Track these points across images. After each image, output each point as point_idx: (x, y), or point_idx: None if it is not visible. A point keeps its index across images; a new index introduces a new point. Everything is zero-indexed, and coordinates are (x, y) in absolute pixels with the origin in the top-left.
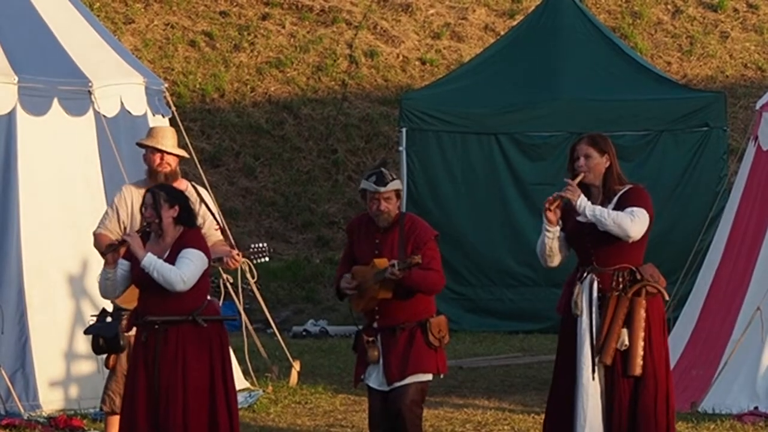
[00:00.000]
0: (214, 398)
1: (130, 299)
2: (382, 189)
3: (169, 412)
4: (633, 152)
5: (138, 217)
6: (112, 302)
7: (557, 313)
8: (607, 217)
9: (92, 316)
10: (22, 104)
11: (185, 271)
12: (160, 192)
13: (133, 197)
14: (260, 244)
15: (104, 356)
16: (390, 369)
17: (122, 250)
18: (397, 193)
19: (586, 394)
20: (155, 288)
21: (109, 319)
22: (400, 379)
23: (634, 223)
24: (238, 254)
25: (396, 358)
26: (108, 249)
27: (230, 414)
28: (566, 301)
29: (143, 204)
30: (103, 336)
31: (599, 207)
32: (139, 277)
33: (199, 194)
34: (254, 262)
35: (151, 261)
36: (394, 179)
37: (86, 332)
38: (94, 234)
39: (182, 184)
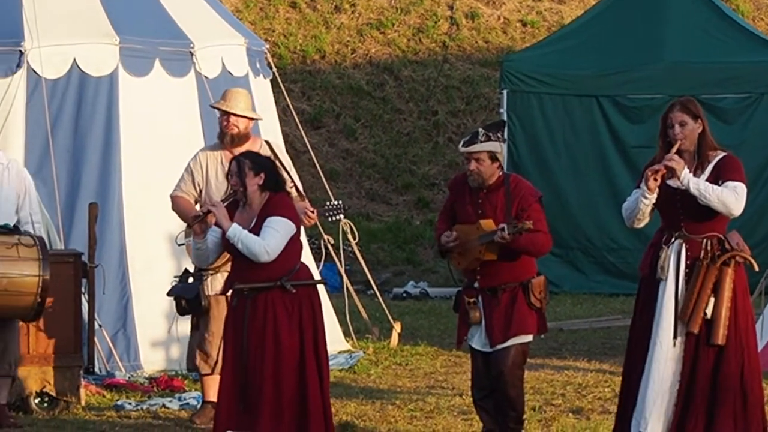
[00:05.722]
0: (303, 363)
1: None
2: (463, 149)
3: (258, 377)
4: (734, 115)
5: (213, 180)
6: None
7: (640, 272)
8: (712, 193)
9: (175, 277)
10: (124, 65)
11: (270, 241)
12: (245, 160)
13: (208, 160)
14: (336, 202)
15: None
16: (493, 330)
17: (211, 219)
18: (491, 155)
19: (662, 358)
20: (244, 256)
21: (191, 279)
22: (503, 341)
23: (738, 201)
24: (312, 211)
25: (498, 319)
26: (194, 220)
27: (321, 378)
28: (650, 263)
29: (229, 172)
30: (184, 297)
31: (703, 182)
32: (228, 245)
33: (272, 150)
34: (329, 219)
35: (235, 232)
36: (489, 141)
37: (169, 294)
38: (171, 197)
39: (256, 142)
